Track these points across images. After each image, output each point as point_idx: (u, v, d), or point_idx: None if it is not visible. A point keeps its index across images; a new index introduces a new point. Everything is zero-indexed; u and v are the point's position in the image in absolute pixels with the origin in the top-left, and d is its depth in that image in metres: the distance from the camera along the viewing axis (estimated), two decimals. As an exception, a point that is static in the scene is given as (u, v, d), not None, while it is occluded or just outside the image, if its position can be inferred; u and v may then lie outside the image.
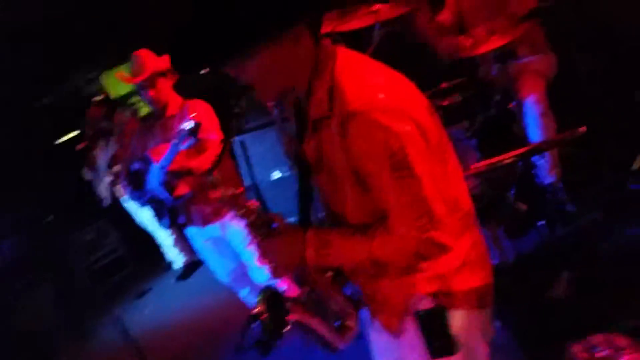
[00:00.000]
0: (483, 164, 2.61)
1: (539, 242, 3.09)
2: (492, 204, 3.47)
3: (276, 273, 1.46)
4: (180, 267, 5.37)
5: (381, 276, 1.43)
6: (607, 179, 3.20)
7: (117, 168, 4.79)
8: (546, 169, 3.19)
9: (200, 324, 4.24)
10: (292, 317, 1.42)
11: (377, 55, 2.89)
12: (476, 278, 1.44)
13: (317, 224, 1.53)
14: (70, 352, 4.83)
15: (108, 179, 4.92)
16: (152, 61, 3.10)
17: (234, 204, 1.49)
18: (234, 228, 3.25)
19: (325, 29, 2.92)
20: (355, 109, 1.24)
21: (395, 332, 1.48)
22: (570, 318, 2.28)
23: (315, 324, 1.47)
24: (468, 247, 1.43)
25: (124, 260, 6.29)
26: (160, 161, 3.08)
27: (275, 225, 1.48)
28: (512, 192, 3.33)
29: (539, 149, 2.76)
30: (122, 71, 3.26)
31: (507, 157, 2.57)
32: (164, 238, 5.28)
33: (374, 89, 1.26)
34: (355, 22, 2.91)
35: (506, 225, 3.29)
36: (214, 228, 3.27)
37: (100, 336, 4.80)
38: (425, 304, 1.41)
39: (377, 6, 2.87)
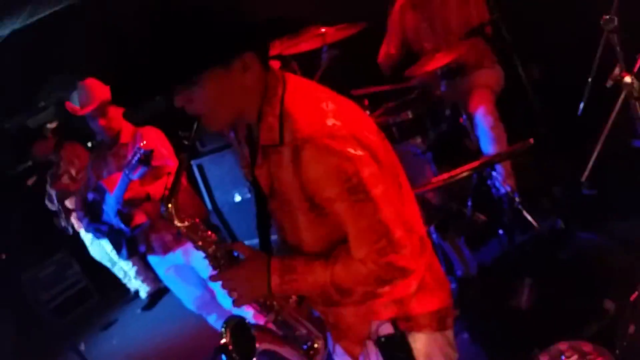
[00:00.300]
0: (442, 177, 2.64)
1: (499, 251, 3.15)
2: (451, 216, 3.54)
3: (239, 302, 1.43)
4: (145, 297, 5.26)
5: (343, 303, 1.42)
6: (560, 186, 3.27)
7: (68, 201, 4.69)
8: (501, 179, 3.24)
9: (169, 352, 4.15)
10: (259, 346, 1.40)
11: (325, 77, 2.95)
12: (435, 300, 1.45)
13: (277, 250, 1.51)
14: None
15: (62, 211, 4.80)
16: (100, 90, 3.05)
17: (191, 235, 1.44)
18: (197, 254, 3.20)
19: (273, 51, 2.95)
20: (307, 136, 1.24)
21: (357, 358, 1.48)
22: (535, 326, 2.31)
23: (284, 350, 1.46)
24: (424, 270, 1.43)
25: (87, 292, 6.15)
26: (114, 191, 3.02)
27: (236, 253, 1.46)
28: (470, 203, 3.41)
29: (491, 162, 2.81)
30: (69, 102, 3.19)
31: (463, 171, 2.61)
32: (127, 269, 5.16)
33: (324, 115, 1.26)
34: (304, 45, 2.93)
35: (466, 236, 3.36)
36: (176, 255, 3.22)
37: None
38: (386, 330, 1.41)
39: (323, 29, 2.90)
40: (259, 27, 1.35)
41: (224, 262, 1.45)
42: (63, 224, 4.94)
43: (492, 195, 3.25)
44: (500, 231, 3.13)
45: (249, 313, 1.53)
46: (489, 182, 3.21)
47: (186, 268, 3.29)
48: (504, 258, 3.08)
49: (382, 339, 1.41)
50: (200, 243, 1.45)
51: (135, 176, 2.88)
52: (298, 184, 1.28)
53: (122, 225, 3.13)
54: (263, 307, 1.47)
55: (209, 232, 1.47)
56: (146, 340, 4.69)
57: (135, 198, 3.03)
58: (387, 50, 3.61)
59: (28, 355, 5.44)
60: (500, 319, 2.46)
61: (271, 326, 1.50)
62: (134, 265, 5.03)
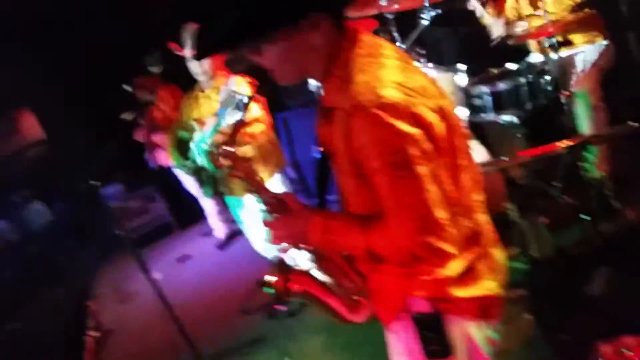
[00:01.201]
0: (530, 152, 2.54)
1: (580, 236, 3.01)
2: (535, 195, 3.42)
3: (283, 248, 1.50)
4: (221, 237, 5.50)
5: (382, 270, 1.44)
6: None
7: (156, 136, 4.92)
8: (595, 164, 3.08)
9: (236, 291, 4.31)
10: (297, 287, 1.45)
11: (423, 38, 2.88)
12: (481, 288, 1.41)
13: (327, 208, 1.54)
14: (109, 310, 5.04)
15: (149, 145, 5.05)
16: None
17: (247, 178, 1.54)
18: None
19: (371, 10, 2.90)
20: (359, 103, 1.22)
21: (391, 326, 1.50)
22: (604, 316, 2.22)
23: (324, 295, 1.49)
24: (472, 258, 1.40)
25: (168, 226, 6.51)
26: (204, 130, 3.14)
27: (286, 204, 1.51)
28: (558, 184, 3.27)
29: (588, 142, 2.66)
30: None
31: (555, 148, 2.49)
32: (207, 206, 5.41)
33: (382, 84, 1.23)
34: (404, 4, 2.86)
35: (549, 217, 3.23)
36: (252, 198, 3.32)
37: (137, 298, 4.99)
38: (423, 307, 1.40)
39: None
40: None
41: (276, 209, 1.50)
42: (148, 157, 5.21)
43: (583, 179, 3.10)
44: (586, 217, 2.99)
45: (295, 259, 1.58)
46: (581, 164, 3.07)
47: (256, 212, 3.40)
48: (585, 244, 2.95)
49: (418, 316, 1.41)
50: (254, 187, 1.54)
51: (227, 121, 2.98)
52: (347, 148, 1.28)
53: (207, 165, 3.26)
54: (310, 254, 1.52)
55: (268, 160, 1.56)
56: (217, 277, 4.91)
57: (222, 141, 3.14)
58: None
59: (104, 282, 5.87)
60: (570, 304, 2.36)
61: (315, 274, 1.53)
62: (216, 204, 5.24)
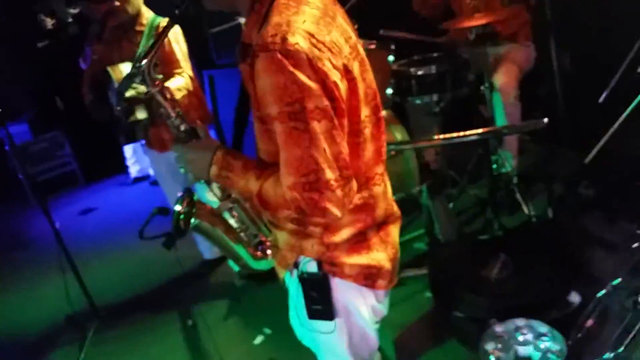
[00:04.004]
0: (445, 136, 2.62)
1: (483, 224, 3.18)
2: (446, 182, 3.56)
3: (192, 178, 1.48)
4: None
5: (277, 225, 1.44)
6: (560, 178, 3.27)
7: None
8: (505, 158, 3.24)
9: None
10: (196, 220, 1.44)
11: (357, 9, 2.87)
12: (369, 258, 1.42)
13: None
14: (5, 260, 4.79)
15: None
16: None
17: (158, 98, 1.49)
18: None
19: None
20: (266, 44, 1.17)
21: (282, 280, 1.52)
22: (499, 299, 2.35)
23: (227, 236, 1.50)
24: (366, 227, 1.41)
25: (74, 175, 6.22)
26: (119, 83, 2.98)
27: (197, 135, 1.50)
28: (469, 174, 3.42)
29: (501, 132, 2.79)
30: None
31: (469, 135, 2.59)
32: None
33: (293, 30, 1.18)
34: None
35: (457, 204, 3.39)
36: (171, 155, 3.21)
37: (37, 247, 4.76)
38: (311, 267, 1.40)
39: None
40: None
41: (185, 138, 1.49)
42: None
43: (492, 172, 3.26)
44: (489, 208, 3.16)
45: (214, 202, 1.55)
46: (493, 157, 3.22)
47: (177, 169, 3.29)
48: (485, 232, 3.11)
49: (305, 275, 1.40)
50: (165, 109, 1.50)
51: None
52: (254, 92, 1.25)
53: (122, 116, 3.10)
54: (219, 193, 1.52)
55: (177, 107, 1.51)
56: (122, 232, 4.76)
57: (137, 97, 3.00)
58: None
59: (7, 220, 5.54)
60: (467, 285, 2.49)
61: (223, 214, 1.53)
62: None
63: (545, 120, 2.43)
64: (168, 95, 1.51)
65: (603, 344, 2.07)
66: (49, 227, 3.15)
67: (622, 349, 2.00)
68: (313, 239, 1.39)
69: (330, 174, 1.21)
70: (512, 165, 3.35)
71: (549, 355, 2.00)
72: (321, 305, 1.41)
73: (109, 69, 3.04)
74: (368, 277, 1.42)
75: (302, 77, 1.17)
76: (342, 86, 1.26)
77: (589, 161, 1.77)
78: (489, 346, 2.07)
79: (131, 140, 3.53)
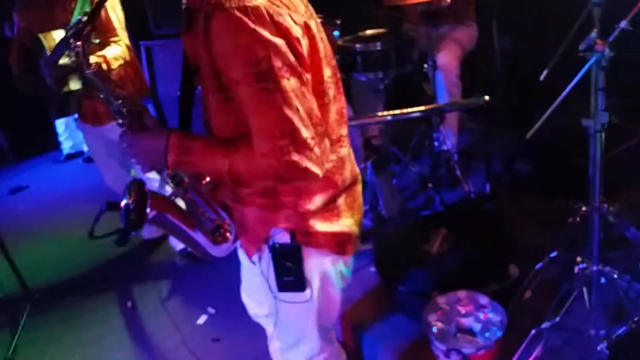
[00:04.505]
0: (388, 113, 2.63)
1: (424, 201, 3.24)
2: (389, 159, 3.59)
3: (143, 169, 1.39)
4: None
5: (244, 201, 1.40)
6: (498, 154, 3.36)
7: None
8: (445, 135, 3.30)
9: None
10: (151, 211, 1.33)
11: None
12: (340, 224, 1.42)
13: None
14: None
15: None
16: None
17: (97, 81, 1.36)
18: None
19: None
20: (222, 3, 1.12)
21: (252, 258, 1.48)
22: (440, 272, 2.40)
23: (183, 223, 1.41)
24: (336, 192, 1.39)
25: (2, 152, 5.87)
26: (51, 52, 2.80)
27: (144, 120, 1.39)
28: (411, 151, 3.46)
29: (442, 109, 2.83)
30: None
31: (412, 112, 2.62)
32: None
33: None
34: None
35: (400, 180, 3.43)
36: (107, 129, 3.07)
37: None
38: (283, 238, 1.38)
39: None
40: None
41: (130, 123, 1.38)
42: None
43: (433, 149, 3.32)
44: (430, 184, 3.22)
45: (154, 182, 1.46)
46: (434, 134, 3.28)
47: (113, 145, 3.15)
48: (427, 208, 3.17)
49: (277, 246, 1.38)
50: (105, 93, 1.38)
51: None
52: (208, 57, 1.18)
53: (54, 88, 2.93)
54: (171, 180, 1.42)
55: (118, 89, 1.41)
56: (54, 208, 4.58)
57: (71, 66, 2.83)
58: None
59: None
60: (410, 259, 2.53)
61: (177, 201, 1.43)
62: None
63: (486, 97, 2.49)
64: (106, 73, 1.38)
65: (541, 314, 2.15)
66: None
67: (558, 318, 2.10)
68: (286, 210, 1.36)
69: (306, 133, 1.16)
70: (453, 142, 3.42)
71: (490, 326, 2.06)
72: (293, 276, 1.39)
73: (41, 36, 2.86)
74: (339, 244, 1.43)
75: (265, 34, 1.11)
76: (304, 43, 1.22)
77: (529, 138, 1.80)
78: (432, 318, 2.12)
79: (64, 114, 3.36)
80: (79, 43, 1.31)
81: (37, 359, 2.79)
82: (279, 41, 1.13)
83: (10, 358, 2.75)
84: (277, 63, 1.13)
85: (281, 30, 1.15)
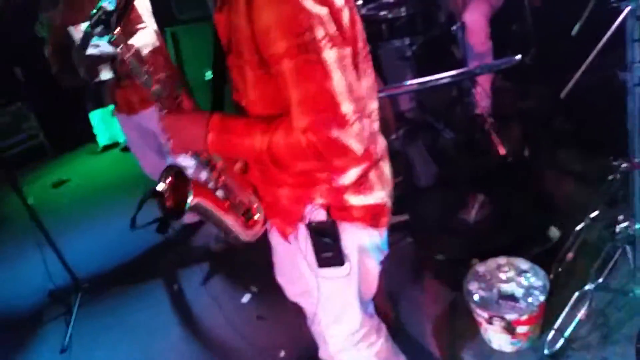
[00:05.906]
0: (420, 80, 2.58)
1: (461, 167, 3.18)
2: (421, 126, 3.54)
3: (176, 150, 1.37)
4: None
5: (278, 182, 1.39)
6: (535, 115, 3.27)
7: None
8: (478, 99, 3.22)
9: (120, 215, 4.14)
10: (193, 199, 1.33)
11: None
12: (374, 197, 1.41)
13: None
14: None
15: None
16: None
17: (134, 64, 1.32)
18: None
19: None
20: None
21: (288, 238, 1.48)
22: (479, 240, 2.37)
23: (220, 211, 1.41)
24: (370, 163, 1.38)
25: (42, 147, 6.05)
26: (79, 41, 2.84)
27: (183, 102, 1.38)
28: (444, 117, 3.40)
29: (474, 72, 2.75)
30: None
31: (442, 77, 2.56)
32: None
33: None
34: None
35: (432, 149, 3.37)
36: (140, 117, 3.12)
37: (11, 225, 4.65)
38: (319, 216, 1.37)
39: None
40: None
41: (170, 105, 1.36)
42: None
43: (466, 114, 3.25)
44: (466, 150, 3.16)
45: (188, 168, 1.46)
46: (467, 99, 3.20)
47: (149, 133, 3.21)
48: (464, 175, 3.12)
49: (313, 224, 1.37)
50: (144, 77, 1.34)
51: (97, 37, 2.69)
52: (250, 32, 1.16)
53: (87, 78, 2.98)
54: (205, 165, 1.41)
55: (158, 71, 1.38)
56: (98, 202, 4.70)
57: (99, 55, 2.86)
58: None
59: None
60: (447, 228, 2.51)
61: (211, 185, 1.43)
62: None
63: (518, 57, 2.41)
64: (145, 64, 1.34)
65: (584, 275, 2.11)
66: (22, 203, 3.06)
67: (601, 279, 2.05)
68: (321, 185, 1.36)
69: (347, 107, 1.14)
70: (487, 105, 3.34)
71: (532, 291, 2.03)
72: (332, 251, 1.39)
73: (71, 29, 2.89)
74: (374, 217, 1.42)
75: (309, 3, 1.10)
76: (345, 14, 1.20)
77: (564, 96, 1.74)
78: (473, 286, 2.10)
79: (99, 105, 3.41)
80: (118, 30, 1.28)
81: (91, 347, 2.89)
82: (323, 10, 1.12)
83: (67, 347, 2.86)
84: (320, 33, 1.11)
85: (327, 2, 1.13)
